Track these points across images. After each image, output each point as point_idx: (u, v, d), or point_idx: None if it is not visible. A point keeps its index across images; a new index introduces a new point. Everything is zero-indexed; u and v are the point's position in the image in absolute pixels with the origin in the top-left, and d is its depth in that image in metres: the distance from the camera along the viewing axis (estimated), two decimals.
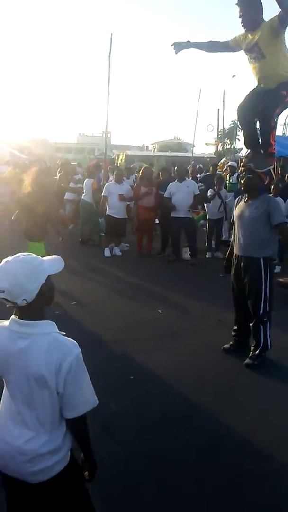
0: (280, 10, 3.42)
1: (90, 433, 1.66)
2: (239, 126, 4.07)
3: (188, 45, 4.02)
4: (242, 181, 3.97)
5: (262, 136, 4.00)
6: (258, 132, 4.00)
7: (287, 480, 2.53)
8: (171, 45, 3.99)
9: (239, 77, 67.07)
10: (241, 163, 4.26)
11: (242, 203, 4.03)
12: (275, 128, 4.05)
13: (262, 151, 4.03)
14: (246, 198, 3.99)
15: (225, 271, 4.39)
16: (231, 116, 50.17)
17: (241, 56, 3.94)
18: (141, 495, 2.40)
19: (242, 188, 3.99)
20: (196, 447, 2.81)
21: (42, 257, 1.64)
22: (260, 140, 4.02)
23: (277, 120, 3.98)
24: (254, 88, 3.95)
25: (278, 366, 3.91)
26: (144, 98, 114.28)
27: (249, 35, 3.74)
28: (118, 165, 14.79)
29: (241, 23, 3.74)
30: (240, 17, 3.72)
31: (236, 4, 3.69)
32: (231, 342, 4.19)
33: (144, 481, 2.51)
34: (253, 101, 3.89)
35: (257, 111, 3.87)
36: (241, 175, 3.98)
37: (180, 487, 2.45)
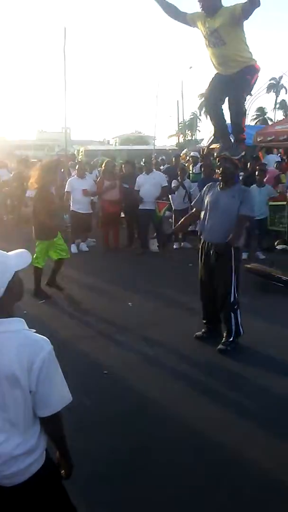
0: (247, 0, 3.42)
1: (65, 430, 1.60)
2: (208, 115, 4.05)
3: None
4: (219, 170, 3.95)
5: (235, 121, 4.03)
6: (226, 118, 4.02)
7: (269, 463, 2.55)
8: None
9: (196, 68, 67.64)
10: (215, 154, 4.28)
11: (216, 190, 3.99)
12: (246, 113, 4.09)
13: (233, 138, 4.06)
14: (221, 186, 3.96)
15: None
16: (191, 107, 50.62)
17: (198, 47, 3.93)
18: (120, 490, 2.36)
19: (220, 177, 3.96)
20: (173, 436, 2.79)
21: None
22: (231, 126, 4.05)
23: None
24: (215, 76, 3.95)
25: (250, 351, 3.95)
26: (103, 92, 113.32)
27: (209, 19, 3.70)
28: (79, 160, 14.60)
29: (201, 7, 3.71)
30: (199, 1, 3.67)
31: None
32: (203, 330, 4.21)
33: (123, 475, 2.47)
34: (219, 88, 3.90)
35: (228, 97, 3.89)
36: (217, 164, 3.96)
37: (159, 480, 2.42)
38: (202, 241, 4.09)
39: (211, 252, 3.95)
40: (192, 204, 5.67)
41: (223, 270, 3.89)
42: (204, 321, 4.22)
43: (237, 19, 3.60)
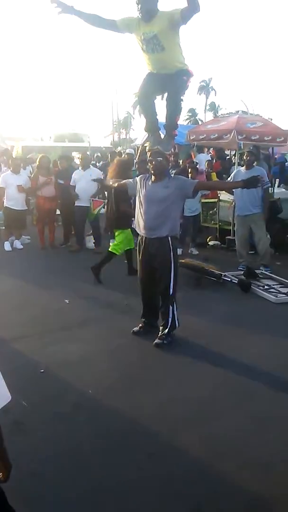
0: (187, 5, 3.40)
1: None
2: (141, 109, 4.10)
3: (71, 10, 3.71)
4: (151, 164, 3.93)
5: (170, 118, 4.12)
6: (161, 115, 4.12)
7: (200, 452, 2.64)
8: (52, 2, 3.60)
9: (130, 68, 68.09)
10: (147, 148, 4.33)
11: (148, 184, 4.01)
12: (181, 111, 4.21)
13: (165, 134, 4.15)
14: (153, 179, 3.98)
15: None
16: (125, 106, 50.82)
17: (129, 46, 3.96)
18: (61, 490, 2.35)
19: (152, 171, 3.95)
20: (112, 431, 2.82)
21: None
22: (165, 122, 4.14)
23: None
24: (149, 74, 4.01)
25: (185, 343, 4.08)
26: (38, 90, 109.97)
27: (145, 23, 3.69)
28: (14, 156, 14.12)
29: (139, 11, 3.67)
30: (137, 3, 3.64)
31: None
32: (140, 325, 4.28)
33: (63, 475, 2.46)
34: (152, 85, 3.96)
35: (167, 93, 3.99)
36: (149, 158, 3.96)
37: (101, 478, 2.44)
38: (139, 236, 4.12)
39: (149, 246, 3.99)
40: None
41: (163, 263, 3.96)
42: (142, 317, 4.29)
43: (175, 24, 3.61)
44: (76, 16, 3.77)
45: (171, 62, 3.87)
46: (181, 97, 4.03)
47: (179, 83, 3.95)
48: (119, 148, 15.62)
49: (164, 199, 3.90)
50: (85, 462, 2.55)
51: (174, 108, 4.07)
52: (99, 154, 15.16)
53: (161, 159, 3.91)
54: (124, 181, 4.38)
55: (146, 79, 4.04)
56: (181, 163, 10.55)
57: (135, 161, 9.58)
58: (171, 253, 3.96)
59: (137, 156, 9.74)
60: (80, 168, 7.92)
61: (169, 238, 3.96)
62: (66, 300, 5.23)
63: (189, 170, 7.33)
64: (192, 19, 3.55)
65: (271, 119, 10.11)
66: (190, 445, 2.69)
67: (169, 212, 3.92)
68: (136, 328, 4.26)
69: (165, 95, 4.08)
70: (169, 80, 3.92)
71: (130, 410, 3.04)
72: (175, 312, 4.05)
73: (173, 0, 3.70)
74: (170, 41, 3.75)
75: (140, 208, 4.03)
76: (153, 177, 3.99)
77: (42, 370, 3.55)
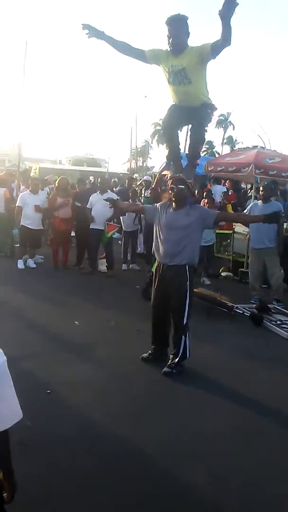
0: (219, 39, 3.46)
1: None
2: (165, 138, 4.18)
3: (101, 35, 3.78)
4: (173, 192, 3.92)
5: (193, 148, 4.21)
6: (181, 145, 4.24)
7: (204, 489, 2.57)
8: (82, 26, 3.70)
9: (150, 97, 69.97)
10: (169, 175, 4.42)
11: (169, 211, 4.00)
12: (204, 142, 4.31)
13: (187, 162, 4.23)
14: (174, 207, 3.98)
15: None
16: (144, 135, 51.92)
17: (152, 77, 4.08)
18: None
19: (174, 198, 3.94)
20: (115, 458, 2.76)
21: None
22: (188, 151, 4.22)
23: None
24: (173, 105, 4.10)
25: (194, 374, 4.00)
26: (58, 112, 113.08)
27: (174, 56, 3.76)
28: (32, 176, 14.41)
29: (170, 44, 3.75)
30: (169, 37, 3.72)
31: (166, 23, 3.72)
32: (149, 351, 4.22)
33: (66, 498, 2.40)
34: (177, 115, 4.05)
35: (192, 124, 4.10)
36: (171, 186, 3.95)
37: (100, 505, 2.38)
38: (157, 263, 4.11)
39: (166, 274, 3.98)
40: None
41: (179, 291, 3.93)
42: (152, 344, 4.23)
43: (205, 58, 3.69)
44: (106, 42, 3.84)
45: (197, 95, 3.94)
46: (205, 129, 4.12)
47: (204, 115, 4.03)
48: (136, 175, 15.84)
49: (186, 227, 3.89)
50: (85, 488, 2.48)
51: (198, 139, 4.16)
52: (116, 180, 15.40)
53: (182, 187, 3.92)
54: (142, 205, 4.43)
55: (171, 110, 4.13)
56: (196, 193, 10.66)
57: (151, 186, 9.72)
58: (188, 282, 3.94)
59: (154, 183, 9.89)
60: (98, 191, 8.03)
61: (187, 267, 3.95)
62: (76, 322, 5.20)
63: (206, 200, 7.39)
64: (222, 53, 3.63)
65: None
66: (194, 480, 2.61)
67: (189, 240, 3.91)
68: (145, 355, 4.21)
69: (189, 126, 4.17)
70: (193, 112, 4.00)
71: (135, 439, 2.97)
72: (187, 342, 4.00)
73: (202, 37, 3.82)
74: (198, 75, 3.83)
75: (159, 235, 4.03)
76: (174, 204, 3.98)
77: (49, 391, 3.50)
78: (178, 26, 3.73)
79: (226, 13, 3.22)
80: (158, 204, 4.24)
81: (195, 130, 4.11)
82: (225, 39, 3.43)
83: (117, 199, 8.29)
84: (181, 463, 2.75)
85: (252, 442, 3.03)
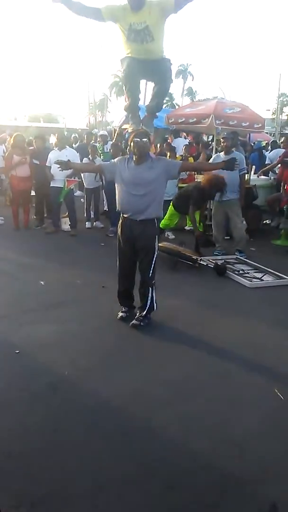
0: None
1: None
2: (127, 87, 3.96)
3: None
4: (136, 145, 3.75)
5: (157, 99, 4.09)
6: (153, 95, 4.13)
7: (174, 431, 2.69)
8: None
9: (107, 47, 66.67)
10: (130, 129, 4.29)
11: (131, 166, 3.86)
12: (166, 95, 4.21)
13: (145, 114, 4.12)
14: (136, 161, 3.84)
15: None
16: (102, 88, 50.01)
17: (107, 27, 3.90)
18: (35, 467, 2.35)
19: (137, 152, 3.78)
20: (88, 411, 2.82)
21: None
22: (150, 103, 4.11)
23: None
24: (133, 58, 3.90)
25: (161, 326, 4.09)
26: (11, 68, 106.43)
27: (133, 13, 3.58)
28: None
29: (130, 0, 3.56)
30: None
31: None
32: (122, 309, 4.24)
33: (39, 452, 2.45)
34: (139, 69, 3.89)
35: (157, 76, 3.98)
36: (134, 139, 3.76)
37: (76, 453, 2.45)
38: (122, 218, 4.03)
39: (133, 228, 3.92)
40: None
41: (147, 245, 3.92)
42: (122, 300, 4.26)
43: (166, 13, 3.53)
44: (64, 5, 3.66)
45: (157, 52, 3.83)
46: (171, 79, 4.05)
47: (167, 67, 3.94)
48: (95, 131, 15.36)
49: (151, 181, 3.79)
50: (61, 439, 2.55)
51: (163, 89, 4.05)
52: (76, 135, 14.89)
53: (146, 140, 3.77)
54: (98, 164, 4.32)
55: (131, 61, 3.93)
56: (158, 146, 10.49)
57: (110, 141, 9.47)
58: (155, 235, 3.95)
59: (114, 138, 9.62)
60: (56, 148, 7.75)
61: (155, 220, 3.93)
62: (41, 282, 5.16)
63: (168, 153, 7.29)
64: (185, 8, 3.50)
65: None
66: (165, 424, 2.71)
67: (156, 194, 3.84)
68: (123, 315, 4.20)
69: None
70: (155, 65, 3.87)
71: (106, 391, 3.04)
72: (153, 295, 4.05)
73: None
74: (159, 31, 3.68)
75: (123, 191, 3.90)
76: (136, 158, 3.84)
77: (18, 351, 3.51)
78: None
79: None
80: (116, 159, 4.11)
81: (159, 81, 3.99)
82: None
83: (78, 156, 8.10)
84: (152, 411, 2.84)
85: (218, 386, 3.16)
